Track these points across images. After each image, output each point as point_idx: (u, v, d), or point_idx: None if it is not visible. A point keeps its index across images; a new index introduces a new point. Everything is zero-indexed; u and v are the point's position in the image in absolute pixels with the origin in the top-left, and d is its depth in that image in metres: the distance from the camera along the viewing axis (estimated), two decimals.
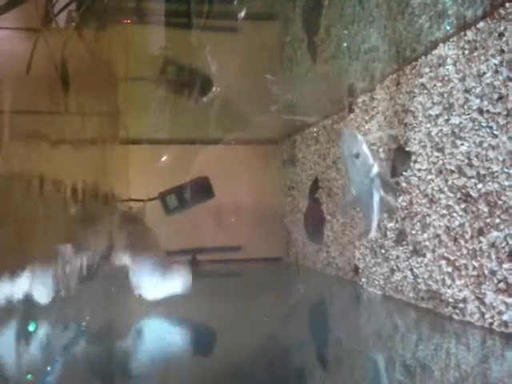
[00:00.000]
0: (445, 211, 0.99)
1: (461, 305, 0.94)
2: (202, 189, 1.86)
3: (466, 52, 0.93)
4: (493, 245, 0.87)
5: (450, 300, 0.97)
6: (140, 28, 1.93)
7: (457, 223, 0.96)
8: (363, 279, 1.36)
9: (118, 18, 1.88)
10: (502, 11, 0.85)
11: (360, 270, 1.38)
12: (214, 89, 1.84)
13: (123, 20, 1.91)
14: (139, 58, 1.85)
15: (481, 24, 0.89)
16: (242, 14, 1.76)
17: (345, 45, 1.45)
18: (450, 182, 0.98)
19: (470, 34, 0.92)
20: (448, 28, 0.99)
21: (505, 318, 0.84)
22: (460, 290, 0.95)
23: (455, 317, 0.96)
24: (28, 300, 0.85)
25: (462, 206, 0.94)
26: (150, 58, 1.86)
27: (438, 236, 1.02)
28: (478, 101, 0.90)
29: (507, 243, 0.84)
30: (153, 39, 1.83)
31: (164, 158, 1.91)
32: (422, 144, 1.07)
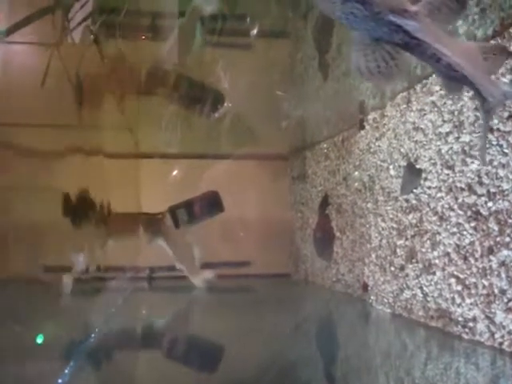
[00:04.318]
0: (455, 229, 0.99)
1: (470, 324, 0.93)
2: (212, 203, 1.87)
3: None
4: (503, 263, 0.86)
5: (460, 319, 0.96)
6: (154, 44, 1.96)
7: (467, 241, 0.95)
8: (372, 297, 1.35)
9: (134, 33, 1.92)
10: None
11: (369, 288, 1.37)
12: (225, 104, 1.86)
13: (139, 36, 1.95)
14: (152, 73, 1.88)
15: (491, 43, 0.90)
16: (255, 32, 1.78)
17: None
18: (460, 200, 0.98)
19: None
20: None
21: None
22: (469, 309, 0.94)
23: (465, 336, 0.95)
24: None
25: (472, 224, 0.94)
26: (163, 74, 1.89)
27: (447, 254, 1.01)
28: None
29: None
30: (166, 55, 1.86)
31: (175, 173, 1.92)
32: (433, 162, 1.07)
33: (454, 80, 0.64)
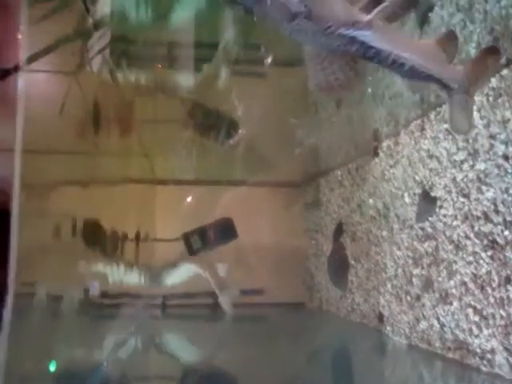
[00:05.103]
0: (471, 258, 0.97)
1: (488, 356, 0.91)
2: (226, 230, 1.87)
3: (491, 98, 0.93)
4: None
5: (478, 350, 0.94)
6: (170, 72, 2.00)
7: (484, 271, 0.93)
8: (388, 327, 1.32)
9: (150, 62, 1.96)
10: None
11: (385, 318, 1.34)
12: (239, 132, 1.87)
13: (155, 64, 1.99)
14: (168, 101, 1.91)
15: (504, 71, 0.90)
16: (269, 60, 1.80)
17: (369, 90, 1.46)
18: (476, 229, 0.96)
19: (494, 81, 0.92)
20: None
21: None
22: (487, 340, 0.91)
23: (483, 368, 0.92)
24: None
25: (489, 253, 0.92)
26: (179, 102, 1.92)
27: (464, 283, 0.99)
28: (503, 147, 0.90)
29: None
30: (182, 83, 1.89)
31: (189, 199, 1.93)
32: (448, 189, 1.06)
33: (419, 80, 0.64)
